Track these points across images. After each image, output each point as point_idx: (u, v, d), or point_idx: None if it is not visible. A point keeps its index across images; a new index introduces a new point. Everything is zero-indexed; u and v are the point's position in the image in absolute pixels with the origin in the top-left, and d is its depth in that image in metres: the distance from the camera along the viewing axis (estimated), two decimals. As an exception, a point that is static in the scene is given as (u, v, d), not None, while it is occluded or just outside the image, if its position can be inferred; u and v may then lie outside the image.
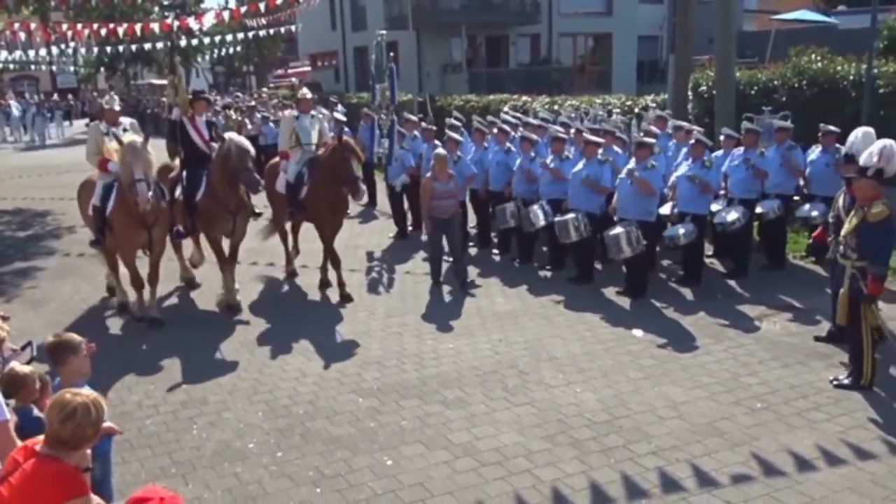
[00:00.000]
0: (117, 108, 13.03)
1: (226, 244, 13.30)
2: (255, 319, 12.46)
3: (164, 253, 12.79)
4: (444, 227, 14.10)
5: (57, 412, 4.35)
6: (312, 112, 15.02)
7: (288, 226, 15.29)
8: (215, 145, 12.93)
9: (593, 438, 8.42)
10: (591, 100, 23.55)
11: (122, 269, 12.84)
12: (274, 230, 15.59)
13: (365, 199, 16.76)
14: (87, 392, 4.47)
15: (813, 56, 18.48)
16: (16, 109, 49.82)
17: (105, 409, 4.41)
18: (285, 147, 14.42)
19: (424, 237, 15.64)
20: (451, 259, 14.54)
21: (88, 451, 4.62)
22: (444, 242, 14.51)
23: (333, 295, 13.75)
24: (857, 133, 10.94)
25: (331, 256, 13.82)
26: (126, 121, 13.18)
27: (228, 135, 12.61)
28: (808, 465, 7.73)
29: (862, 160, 9.24)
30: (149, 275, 12.48)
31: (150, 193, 11.24)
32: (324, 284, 14.20)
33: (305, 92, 15.58)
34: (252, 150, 12.60)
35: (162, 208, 12.11)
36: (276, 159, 15.02)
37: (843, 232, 9.37)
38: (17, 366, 6.33)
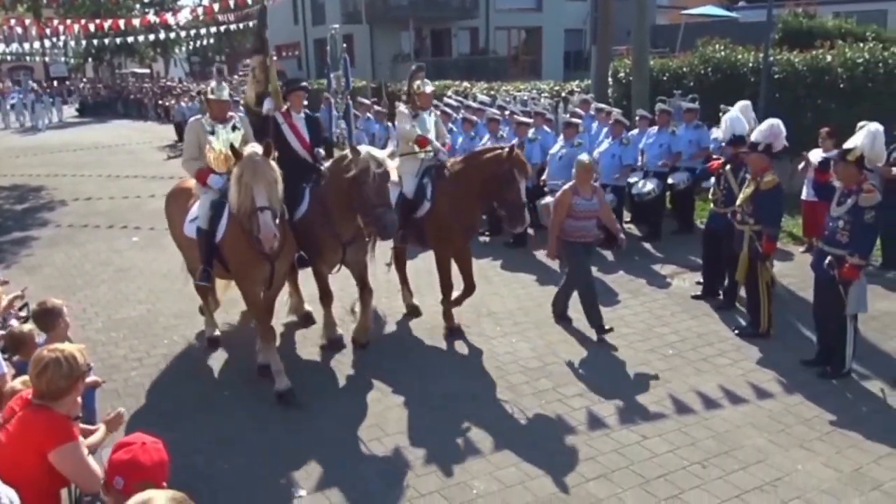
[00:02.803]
0: (225, 97, 8.85)
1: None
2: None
3: (282, 289, 9.11)
4: (584, 253, 9.76)
5: (33, 367, 4.32)
6: (432, 108, 10.98)
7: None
8: (321, 153, 9.51)
9: (527, 383, 8.45)
10: (518, 86, 23.62)
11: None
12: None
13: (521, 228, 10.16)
14: (62, 347, 4.38)
15: (717, 46, 18.57)
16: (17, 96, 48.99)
17: (80, 362, 4.32)
18: (411, 140, 10.13)
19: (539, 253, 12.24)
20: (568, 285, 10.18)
21: (79, 401, 4.55)
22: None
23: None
24: (734, 111, 11.07)
25: (469, 289, 9.94)
26: (236, 115, 9.14)
27: (365, 149, 8.25)
28: (713, 404, 7.81)
29: (753, 137, 9.38)
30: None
31: (277, 221, 7.47)
32: (452, 327, 9.98)
33: (426, 83, 10.57)
34: (394, 175, 8.61)
35: (287, 234, 8.21)
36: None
37: (738, 201, 9.45)
38: (17, 325, 6.32)
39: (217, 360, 9.26)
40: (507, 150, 8.92)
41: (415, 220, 9.83)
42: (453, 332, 9.86)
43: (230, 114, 8.91)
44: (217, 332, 9.84)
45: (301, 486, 6.54)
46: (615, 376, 8.53)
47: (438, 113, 11.40)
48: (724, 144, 10.94)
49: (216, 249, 8.41)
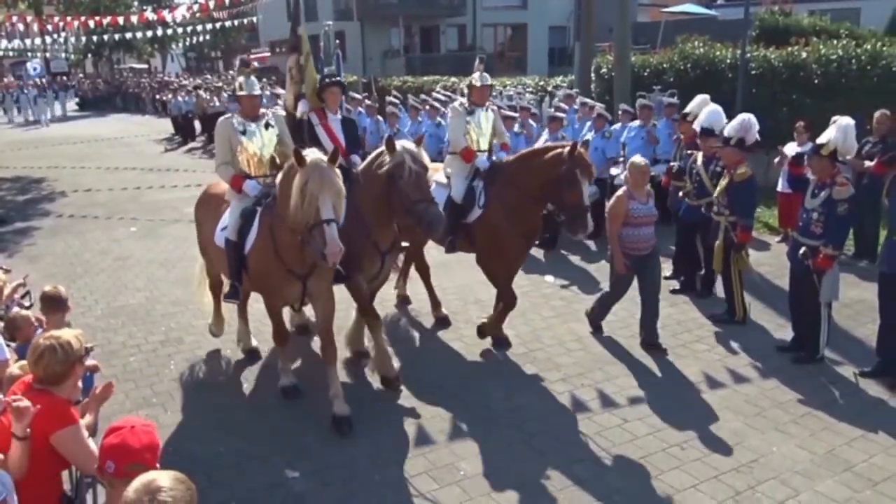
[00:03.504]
0: (256, 91, 7.88)
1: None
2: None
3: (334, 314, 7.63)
4: (640, 266, 8.80)
5: (31, 354, 4.31)
6: (488, 104, 9.65)
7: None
8: (357, 160, 8.35)
9: (512, 368, 8.47)
10: (504, 81, 23.62)
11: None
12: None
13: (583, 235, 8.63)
14: (58, 333, 4.37)
15: (696, 43, 18.61)
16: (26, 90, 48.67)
17: (76, 347, 4.30)
18: (460, 147, 9.06)
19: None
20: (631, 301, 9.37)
21: (79, 385, 4.54)
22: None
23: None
24: (695, 101, 11.13)
25: (507, 301, 8.93)
26: (268, 112, 8.16)
27: (401, 143, 7.41)
28: (692, 388, 7.83)
29: (726, 131, 9.40)
30: (322, 343, 7.58)
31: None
32: (497, 337, 9.11)
33: (485, 77, 9.35)
34: (440, 176, 8.60)
35: None
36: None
37: (715, 193, 9.47)
38: (16, 311, 6.31)
39: (212, 346, 9.22)
40: (568, 148, 7.98)
41: (464, 225, 8.86)
42: (501, 342, 9.03)
43: (262, 111, 7.99)
44: (254, 343, 8.97)
45: (294, 466, 6.54)
46: (597, 362, 8.54)
47: (496, 108, 10.22)
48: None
49: (245, 261, 7.48)
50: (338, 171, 6.53)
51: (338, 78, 9.10)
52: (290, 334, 8.04)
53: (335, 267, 6.88)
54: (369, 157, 7.81)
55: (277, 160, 7.72)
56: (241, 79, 7.95)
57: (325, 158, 6.47)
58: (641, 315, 8.96)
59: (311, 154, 6.54)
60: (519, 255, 8.94)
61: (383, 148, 7.47)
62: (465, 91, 9.88)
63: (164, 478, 2.86)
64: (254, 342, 8.98)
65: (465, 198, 8.89)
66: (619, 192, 8.78)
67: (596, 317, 9.42)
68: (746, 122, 9.33)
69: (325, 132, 8.52)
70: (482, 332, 9.12)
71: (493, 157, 9.18)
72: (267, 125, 7.82)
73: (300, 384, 7.82)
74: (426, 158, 7.40)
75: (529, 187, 8.29)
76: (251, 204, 7.49)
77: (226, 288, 8.21)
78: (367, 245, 7.62)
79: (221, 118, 7.90)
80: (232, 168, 7.67)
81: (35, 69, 54.59)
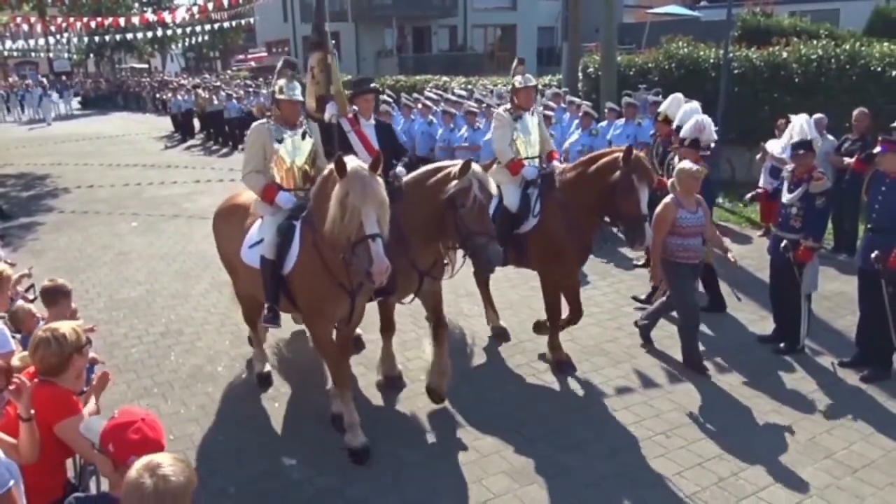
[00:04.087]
0: (298, 96, 7.00)
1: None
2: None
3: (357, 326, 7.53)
4: (692, 276, 8.17)
5: (30, 346, 4.34)
6: (534, 107, 8.78)
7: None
8: (401, 171, 7.06)
9: (503, 359, 8.47)
10: (494, 80, 23.67)
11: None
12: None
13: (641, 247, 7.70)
14: (55, 325, 4.37)
15: (680, 43, 18.61)
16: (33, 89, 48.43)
17: (72, 339, 4.28)
18: (506, 158, 8.11)
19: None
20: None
21: (83, 376, 4.54)
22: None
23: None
24: (669, 99, 11.16)
25: (574, 316, 8.30)
26: (307, 121, 7.30)
27: (474, 169, 6.22)
28: (676, 378, 7.83)
29: (682, 133, 9.37)
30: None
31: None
32: (559, 360, 8.17)
33: (528, 79, 8.42)
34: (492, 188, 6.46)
35: None
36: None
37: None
38: (20, 304, 6.30)
39: (211, 337, 9.21)
40: (623, 152, 7.13)
41: (516, 236, 7.95)
42: (563, 365, 8.10)
43: (300, 118, 7.11)
44: (268, 368, 8.12)
45: (292, 454, 6.53)
46: (584, 353, 8.52)
47: (542, 110, 9.00)
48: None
49: (283, 282, 6.62)
50: (380, 180, 5.78)
51: (373, 84, 8.18)
52: (348, 356, 7.07)
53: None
54: (422, 170, 6.85)
55: (311, 173, 7.00)
56: (281, 81, 6.96)
57: (366, 167, 5.70)
58: (680, 332, 8.21)
59: (351, 162, 5.73)
60: (576, 266, 8.16)
61: (441, 163, 6.81)
62: (500, 95, 9.30)
63: (163, 457, 2.91)
64: (267, 367, 8.11)
65: (519, 206, 8.01)
66: (667, 198, 7.94)
67: (647, 325, 8.73)
68: (699, 124, 9.20)
69: (358, 139, 7.59)
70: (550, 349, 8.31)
71: (545, 166, 8.33)
72: (304, 134, 7.00)
73: (369, 443, 6.49)
74: (493, 186, 6.45)
75: (585, 196, 7.49)
76: (285, 218, 6.61)
77: (264, 314, 7.07)
78: (404, 263, 6.58)
79: (256, 123, 7.11)
80: (263, 177, 6.85)
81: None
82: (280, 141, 6.82)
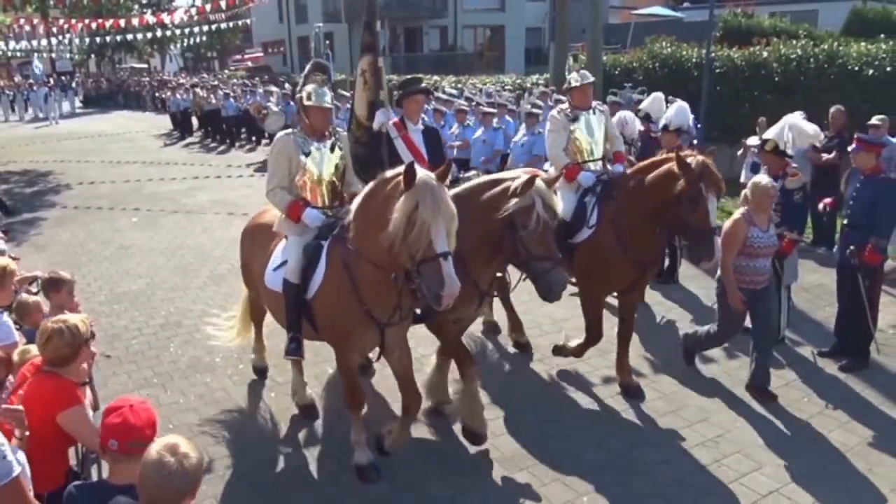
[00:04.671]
0: (328, 103, 6.06)
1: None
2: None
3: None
4: (752, 300, 6.99)
5: (40, 337, 4.30)
6: (594, 105, 7.81)
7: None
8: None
9: (495, 350, 8.47)
10: (483, 79, 23.67)
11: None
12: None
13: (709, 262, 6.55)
14: (66, 317, 4.36)
15: (664, 43, 18.65)
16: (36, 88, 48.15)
17: (83, 331, 4.28)
18: (560, 164, 7.39)
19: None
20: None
21: (85, 367, 4.53)
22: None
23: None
24: (649, 99, 11.19)
25: (625, 332, 7.41)
26: (339, 131, 6.40)
27: (538, 185, 5.44)
28: (660, 368, 7.84)
29: (661, 122, 9.41)
30: (405, 400, 6.07)
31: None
32: (628, 385, 7.28)
33: (585, 75, 7.72)
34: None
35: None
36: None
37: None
38: (24, 296, 6.27)
39: (210, 329, 9.18)
40: (678, 159, 6.22)
41: (568, 245, 6.93)
42: (632, 391, 7.21)
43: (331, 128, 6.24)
44: (310, 395, 7.18)
45: (289, 441, 6.52)
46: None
47: (606, 107, 8.29)
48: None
49: (305, 307, 5.85)
50: (447, 190, 5.04)
51: (423, 85, 7.43)
52: (365, 398, 6.29)
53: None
54: (475, 182, 6.11)
55: (339, 187, 6.24)
56: (310, 87, 6.04)
57: (433, 176, 4.94)
58: (752, 355, 7.30)
59: (420, 171, 4.95)
60: (626, 285, 7.12)
61: (498, 175, 6.11)
62: (552, 95, 8.80)
63: (177, 438, 2.97)
64: (309, 394, 7.16)
65: (574, 215, 7.17)
66: (737, 214, 7.02)
67: (692, 346, 7.81)
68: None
69: (406, 145, 6.80)
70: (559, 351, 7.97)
71: (609, 169, 7.57)
72: (333, 147, 6.14)
73: (379, 462, 6.05)
74: (558, 203, 5.69)
75: (646, 206, 6.51)
76: (312, 238, 5.88)
77: (287, 345, 6.22)
78: (467, 284, 5.47)
79: (282, 133, 6.21)
80: (288, 194, 6.03)
81: (38, 68, 54.01)
82: (307, 154, 6.00)
